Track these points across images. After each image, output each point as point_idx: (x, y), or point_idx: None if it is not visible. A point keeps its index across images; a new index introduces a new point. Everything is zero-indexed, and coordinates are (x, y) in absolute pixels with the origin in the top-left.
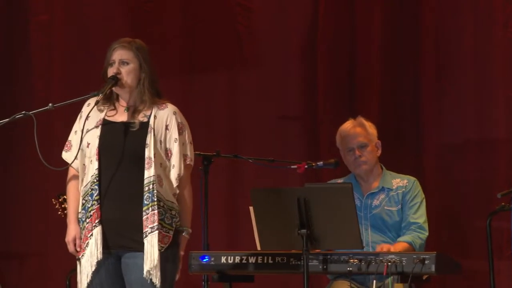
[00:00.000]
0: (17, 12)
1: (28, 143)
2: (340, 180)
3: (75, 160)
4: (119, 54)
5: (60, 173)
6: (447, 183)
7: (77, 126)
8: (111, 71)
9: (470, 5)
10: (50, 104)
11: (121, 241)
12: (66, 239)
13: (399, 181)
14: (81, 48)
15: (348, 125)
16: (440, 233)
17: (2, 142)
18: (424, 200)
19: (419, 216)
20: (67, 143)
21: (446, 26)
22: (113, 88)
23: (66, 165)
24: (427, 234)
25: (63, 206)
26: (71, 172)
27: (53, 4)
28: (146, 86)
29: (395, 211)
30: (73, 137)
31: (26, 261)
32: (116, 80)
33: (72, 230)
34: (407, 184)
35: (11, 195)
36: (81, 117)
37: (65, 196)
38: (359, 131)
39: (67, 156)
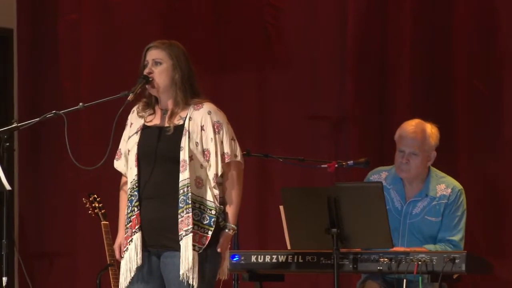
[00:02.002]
0: (46, 11)
1: (58, 143)
2: (384, 173)
3: (124, 168)
4: (152, 54)
5: (90, 172)
6: (480, 182)
7: (125, 133)
8: (144, 72)
9: (503, 4)
10: (80, 104)
11: (160, 240)
12: (114, 246)
13: (443, 188)
14: (109, 47)
15: (411, 127)
16: (473, 233)
17: (32, 141)
18: (465, 213)
19: (457, 232)
20: (117, 151)
21: (479, 25)
22: (147, 89)
23: (96, 165)
24: None
25: (93, 205)
26: (123, 179)
27: (82, 3)
28: (179, 86)
29: (435, 222)
30: (122, 145)
31: (56, 261)
32: (146, 79)
33: (119, 237)
34: (450, 194)
35: (42, 196)
36: (127, 124)
37: (95, 196)
38: (417, 138)
39: (117, 164)
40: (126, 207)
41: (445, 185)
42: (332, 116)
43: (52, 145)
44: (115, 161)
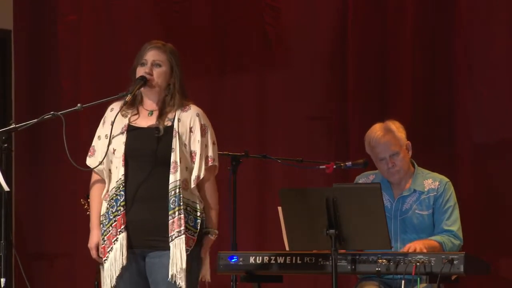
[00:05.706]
0: (46, 12)
1: (57, 144)
2: (372, 176)
3: (100, 166)
4: (152, 54)
5: (88, 173)
6: (481, 183)
7: (101, 131)
8: (141, 71)
9: (504, 5)
10: (78, 105)
11: (147, 241)
12: (89, 245)
13: (430, 182)
14: (109, 48)
15: (377, 134)
16: (475, 234)
17: (31, 142)
18: (457, 204)
19: (453, 222)
20: (90, 148)
21: (479, 26)
22: (141, 89)
23: (94, 167)
24: (461, 243)
25: None
26: (94, 177)
27: (81, 5)
28: (177, 89)
29: (426, 215)
30: (97, 142)
31: (55, 261)
32: (144, 80)
33: (94, 236)
34: (439, 186)
35: (41, 196)
36: (104, 122)
37: None
38: (389, 140)
39: (91, 161)
40: (107, 206)
41: (432, 179)
42: (331, 117)
43: (50, 146)
44: (88, 158)
